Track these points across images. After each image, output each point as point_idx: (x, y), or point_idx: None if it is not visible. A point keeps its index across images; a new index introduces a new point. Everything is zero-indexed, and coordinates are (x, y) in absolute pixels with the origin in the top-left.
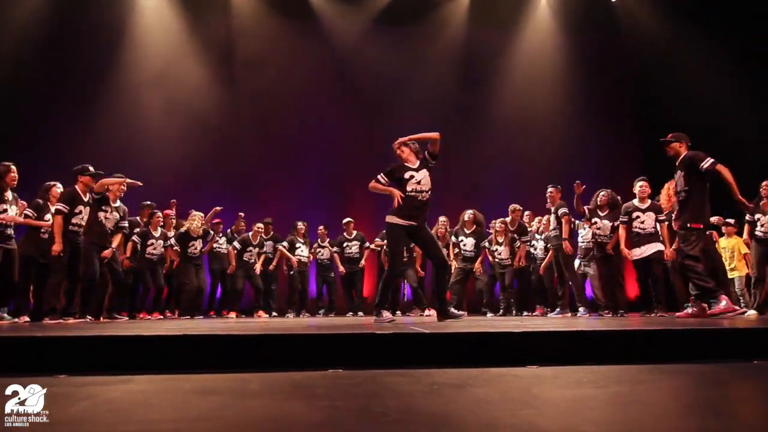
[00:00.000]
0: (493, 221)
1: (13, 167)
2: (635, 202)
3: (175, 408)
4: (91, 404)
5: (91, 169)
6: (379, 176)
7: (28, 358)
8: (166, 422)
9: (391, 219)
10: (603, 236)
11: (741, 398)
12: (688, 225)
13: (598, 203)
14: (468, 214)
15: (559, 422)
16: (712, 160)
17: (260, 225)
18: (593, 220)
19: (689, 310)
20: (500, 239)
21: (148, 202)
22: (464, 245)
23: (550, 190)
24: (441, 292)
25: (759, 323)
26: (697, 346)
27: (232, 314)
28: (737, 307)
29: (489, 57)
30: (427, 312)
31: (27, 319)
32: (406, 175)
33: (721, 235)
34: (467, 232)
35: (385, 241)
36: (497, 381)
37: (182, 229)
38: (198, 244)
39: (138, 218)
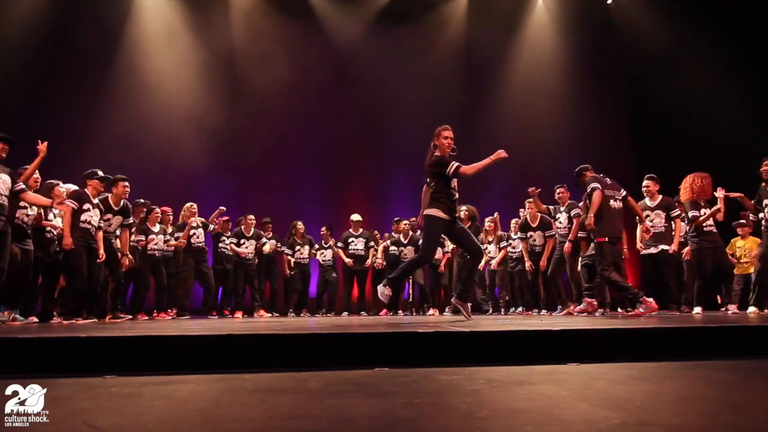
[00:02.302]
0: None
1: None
2: (646, 200)
3: (255, 408)
4: (166, 404)
5: (100, 173)
6: (454, 164)
7: (61, 357)
8: (258, 420)
9: (435, 212)
10: None
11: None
12: (594, 239)
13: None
14: (463, 210)
15: (647, 417)
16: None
17: (251, 216)
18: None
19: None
20: (490, 238)
21: (142, 200)
22: None
23: (559, 190)
24: (469, 279)
25: None
26: (728, 342)
27: (239, 314)
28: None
29: (487, 57)
30: (430, 312)
31: (35, 320)
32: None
33: (735, 235)
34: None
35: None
36: (553, 378)
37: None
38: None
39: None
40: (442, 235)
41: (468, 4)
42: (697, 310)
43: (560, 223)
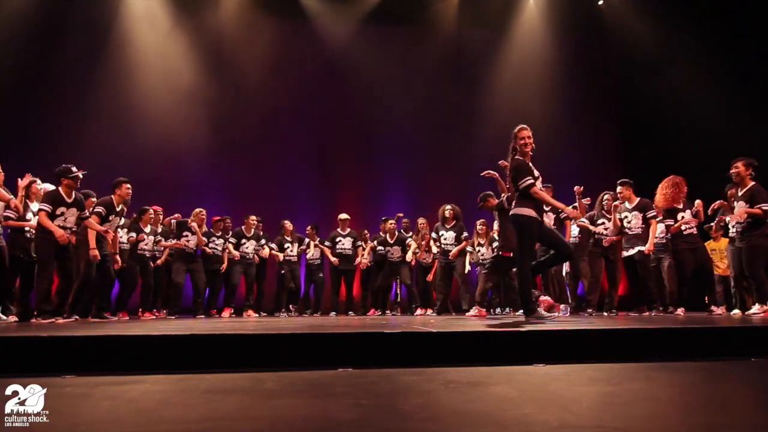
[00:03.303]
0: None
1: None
2: (625, 203)
3: (200, 408)
4: (113, 405)
5: (74, 170)
6: (528, 180)
7: (27, 358)
8: (194, 422)
9: (527, 212)
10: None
11: (743, 395)
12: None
13: (604, 205)
14: (447, 210)
15: (588, 419)
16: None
17: (253, 217)
18: (600, 221)
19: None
20: (482, 240)
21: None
22: (445, 239)
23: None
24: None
25: (759, 322)
26: (693, 344)
27: (226, 312)
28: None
29: (478, 56)
30: (418, 312)
31: (15, 319)
32: (536, 173)
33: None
34: (447, 227)
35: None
36: (511, 379)
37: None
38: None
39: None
40: (433, 236)
41: (459, 3)
42: (679, 311)
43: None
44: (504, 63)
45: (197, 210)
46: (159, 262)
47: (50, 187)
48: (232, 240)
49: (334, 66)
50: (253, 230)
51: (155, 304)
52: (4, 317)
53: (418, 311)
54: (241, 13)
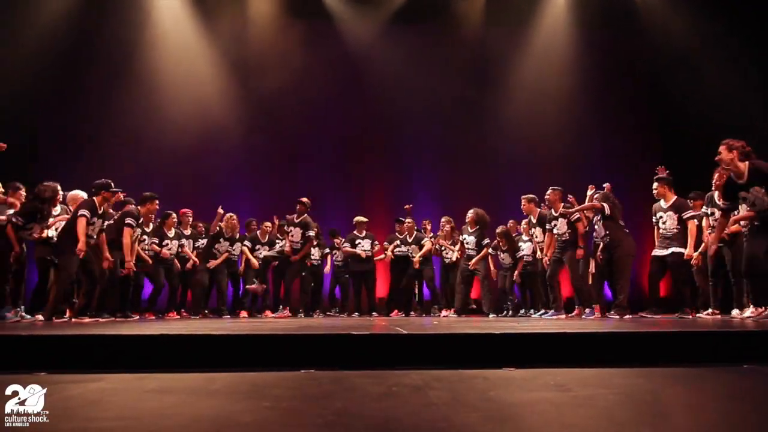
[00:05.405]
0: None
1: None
2: (660, 202)
3: (126, 407)
4: (48, 402)
5: (112, 185)
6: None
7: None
8: (110, 420)
9: None
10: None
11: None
12: None
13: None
14: (469, 214)
15: (495, 426)
16: None
17: (268, 223)
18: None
19: None
20: (504, 247)
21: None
22: (467, 243)
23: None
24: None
25: (754, 326)
26: (679, 349)
27: (244, 313)
28: None
29: (505, 54)
30: (443, 313)
31: (41, 318)
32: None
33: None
34: (470, 230)
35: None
36: (460, 383)
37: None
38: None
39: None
40: (460, 238)
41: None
42: (705, 313)
43: (558, 229)
44: (531, 59)
45: (228, 215)
46: (188, 266)
47: (81, 193)
48: (248, 244)
49: (360, 67)
50: (267, 236)
51: (183, 305)
52: (28, 316)
53: (443, 312)
54: (267, 17)
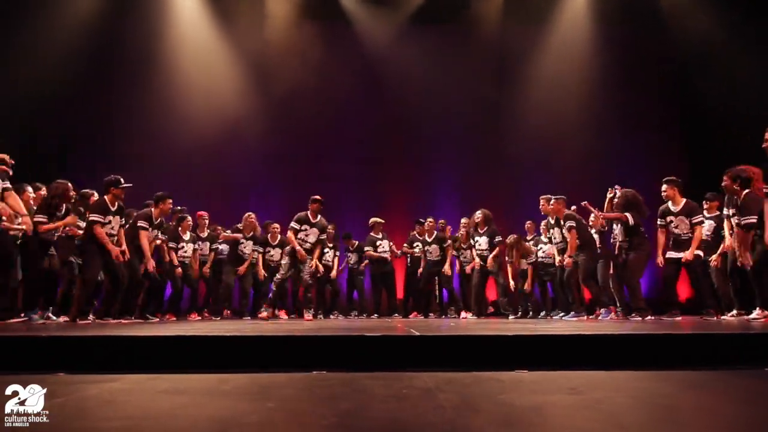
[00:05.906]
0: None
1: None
2: (669, 205)
3: (138, 407)
4: (63, 402)
5: (122, 181)
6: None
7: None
8: (120, 420)
9: None
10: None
11: (706, 407)
12: None
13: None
14: (477, 215)
15: (500, 430)
16: None
17: (276, 225)
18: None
19: None
20: (513, 258)
21: (179, 207)
22: (479, 245)
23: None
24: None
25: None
26: (696, 351)
27: (282, 313)
28: None
29: (524, 53)
30: (463, 314)
31: (66, 319)
32: None
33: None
34: (480, 231)
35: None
36: (471, 386)
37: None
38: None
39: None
40: (470, 241)
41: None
42: (729, 315)
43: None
44: (551, 58)
45: (246, 214)
46: (205, 269)
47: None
48: (260, 249)
49: (378, 68)
50: (278, 238)
51: (207, 305)
52: (54, 317)
53: (462, 314)
54: (284, 18)
